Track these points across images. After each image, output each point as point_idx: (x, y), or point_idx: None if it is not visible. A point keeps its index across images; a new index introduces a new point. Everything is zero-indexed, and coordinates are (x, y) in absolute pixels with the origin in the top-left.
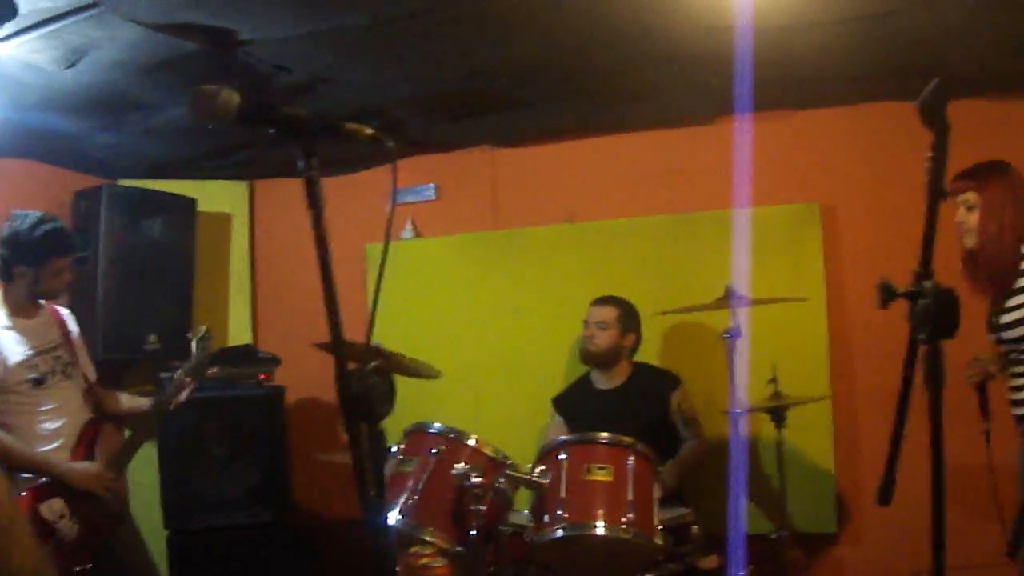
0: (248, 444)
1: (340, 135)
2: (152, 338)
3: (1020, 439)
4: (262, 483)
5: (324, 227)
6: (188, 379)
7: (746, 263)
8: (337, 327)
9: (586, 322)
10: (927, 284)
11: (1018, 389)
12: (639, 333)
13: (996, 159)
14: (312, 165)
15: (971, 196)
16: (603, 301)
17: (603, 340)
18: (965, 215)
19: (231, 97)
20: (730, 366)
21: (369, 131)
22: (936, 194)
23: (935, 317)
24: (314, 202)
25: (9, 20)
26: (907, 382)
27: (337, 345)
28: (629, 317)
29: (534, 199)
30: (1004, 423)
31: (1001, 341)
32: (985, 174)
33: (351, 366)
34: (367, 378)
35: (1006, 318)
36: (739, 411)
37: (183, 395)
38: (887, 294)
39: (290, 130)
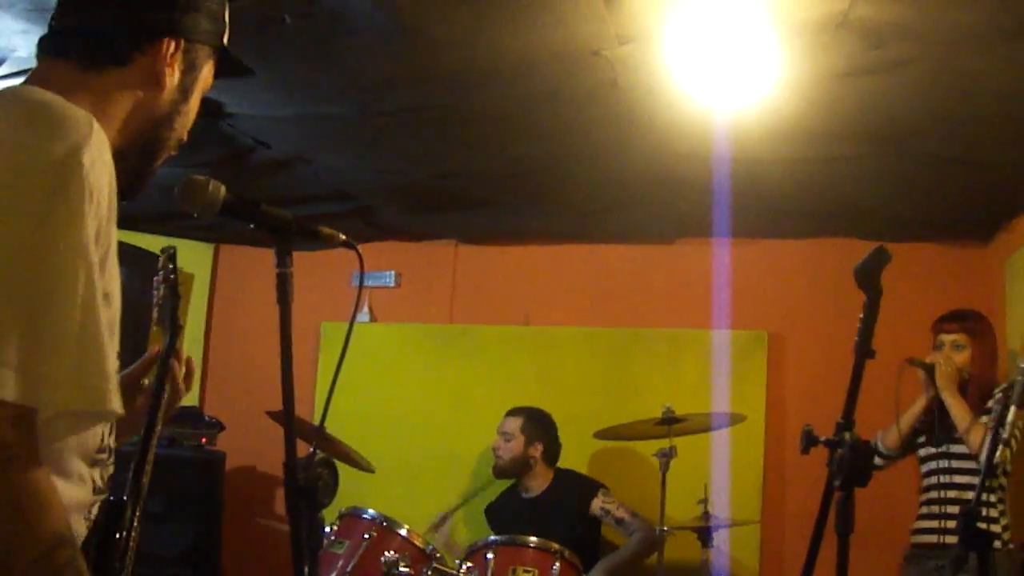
0: (183, 506)
1: (315, 237)
2: None
3: (904, 567)
4: (192, 546)
5: (290, 322)
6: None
7: (690, 383)
8: (291, 414)
9: (497, 432)
10: (846, 435)
11: (928, 516)
12: (548, 441)
13: (970, 307)
14: (286, 263)
15: (962, 338)
16: (511, 412)
17: (506, 452)
18: (951, 353)
19: (218, 190)
20: (662, 484)
21: (343, 237)
22: (863, 354)
23: (849, 467)
24: (283, 298)
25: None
26: (820, 523)
27: (290, 434)
28: (536, 426)
29: (492, 298)
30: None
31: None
32: (975, 320)
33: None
34: (315, 468)
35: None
36: (666, 529)
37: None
38: (808, 441)
39: (269, 227)
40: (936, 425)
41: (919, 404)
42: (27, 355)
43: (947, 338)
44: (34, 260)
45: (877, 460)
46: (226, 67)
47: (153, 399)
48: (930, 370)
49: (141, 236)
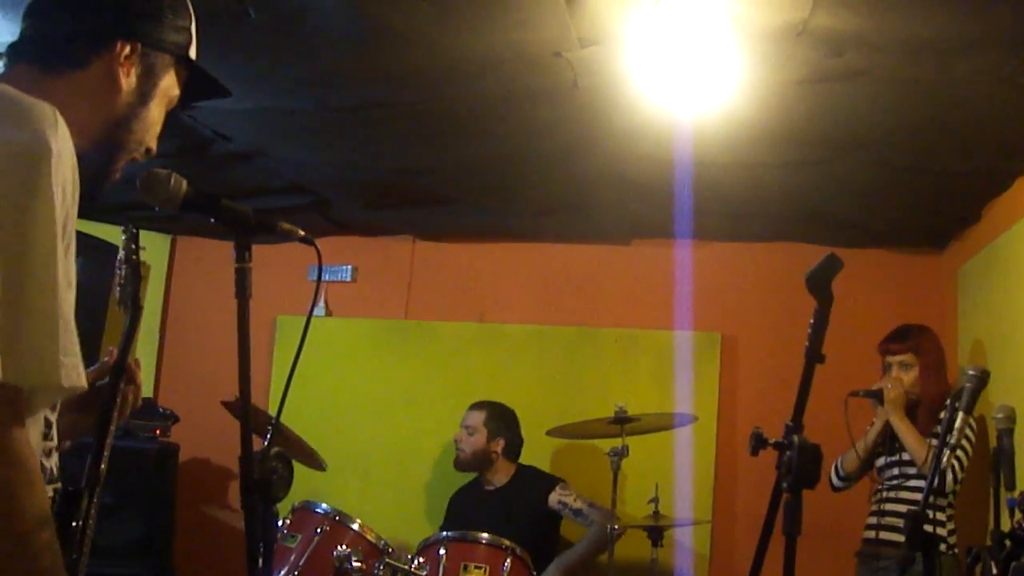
0: (135, 498)
1: (275, 233)
2: None
3: (860, 566)
4: (144, 539)
5: (248, 318)
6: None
7: (644, 383)
8: (248, 409)
9: (460, 425)
10: (795, 438)
11: (878, 514)
12: (511, 436)
13: (919, 323)
14: (245, 257)
15: (909, 357)
16: (474, 406)
17: (468, 445)
18: (900, 373)
19: (180, 184)
20: (614, 483)
21: (302, 233)
22: (813, 359)
23: (798, 470)
24: (242, 293)
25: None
26: (768, 525)
27: (246, 428)
28: (498, 421)
29: (448, 294)
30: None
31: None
32: (918, 336)
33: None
34: (270, 463)
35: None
36: (617, 528)
37: None
38: (758, 443)
39: (229, 222)
40: (890, 441)
41: (874, 430)
42: (9, 338)
43: (894, 359)
44: (12, 247)
45: (837, 482)
46: (202, 88)
47: (110, 389)
48: (878, 397)
49: (99, 226)
